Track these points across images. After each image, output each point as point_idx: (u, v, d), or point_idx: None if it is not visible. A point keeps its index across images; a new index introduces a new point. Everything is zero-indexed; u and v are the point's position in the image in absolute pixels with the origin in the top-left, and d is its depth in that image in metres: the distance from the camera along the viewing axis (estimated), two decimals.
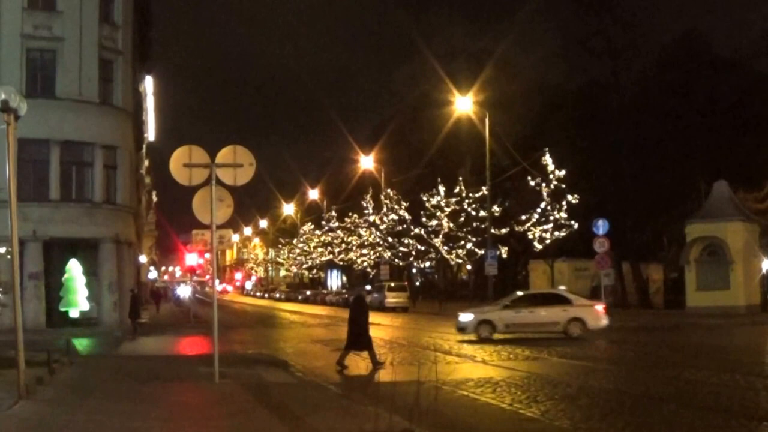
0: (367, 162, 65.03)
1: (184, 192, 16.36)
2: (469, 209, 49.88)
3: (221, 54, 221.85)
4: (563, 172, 41.95)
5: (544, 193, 42.53)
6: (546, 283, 45.79)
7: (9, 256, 14.48)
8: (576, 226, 41.70)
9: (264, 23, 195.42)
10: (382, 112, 74.58)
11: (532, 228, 43.91)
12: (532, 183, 43.11)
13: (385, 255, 63.58)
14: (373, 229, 65.14)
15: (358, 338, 19.62)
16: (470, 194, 49.83)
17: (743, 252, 38.59)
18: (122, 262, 35.42)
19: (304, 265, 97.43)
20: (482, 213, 48.26)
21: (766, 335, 27.45)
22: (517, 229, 45.36)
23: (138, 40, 40.51)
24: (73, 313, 33.22)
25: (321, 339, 29.54)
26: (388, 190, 60.52)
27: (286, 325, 41.97)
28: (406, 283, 60.62)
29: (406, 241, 58.97)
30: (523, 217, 44.63)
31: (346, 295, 68.84)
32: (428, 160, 57.86)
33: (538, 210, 43.31)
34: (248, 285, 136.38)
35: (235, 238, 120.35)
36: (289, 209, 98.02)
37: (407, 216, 57.26)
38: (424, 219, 53.27)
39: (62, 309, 32.97)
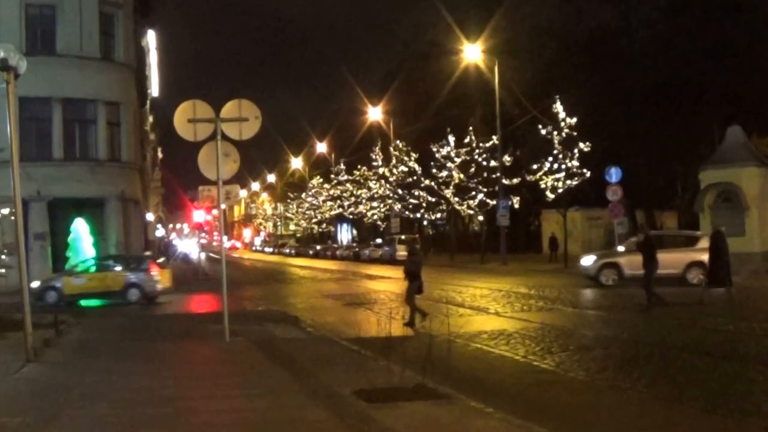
0: (375, 113, 64.49)
1: (190, 148, 16.16)
2: (480, 159, 49.41)
3: (226, 5, 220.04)
4: (575, 120, 41.39)
5: (556, 141, 42.01)
6: (559, 233, 45.44)
7: (13, 217, 14.36)
8: (588, 174, 41.27)
9: None
10: (390, 61, 73.64)
11: (543, 177, 43.45)
12: (543, 131, 42.57)
13: (395, 207, 63.35)
14: (383, 182, 64.81)
15: (721, 273, 20.22)
16: (480, 144, 49.31)
17: (759, 198, 38.05)
18: (129, 220, 35.27)
19: (314, 220, 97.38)
20: (493, 163, 47.82)
21: None
22: (528, 178, 44.89)
23: None
24: None
25: (332, 294, 29.43)
26: (397, 142, 60.05)
27: (296, 280, 41.94)
28: (417, 235, 60.44)
29: (416, 193, 58.62)
30: (535, 167, 44.15)
31: (357, 249, 68.89)
32: (437, 110, 57.26)
33: (550, 159, 42.82)
34: (257, 241, 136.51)
35: (243, 193, 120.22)
36: (297, 163, 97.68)
37: (417, 167, 56.84)
38: (434, 170, 52.81)
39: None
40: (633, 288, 23.42)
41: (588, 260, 28.56)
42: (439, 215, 61.35)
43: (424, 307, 17.93)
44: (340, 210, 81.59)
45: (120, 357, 13.87)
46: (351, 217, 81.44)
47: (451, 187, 52.03)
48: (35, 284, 25.59)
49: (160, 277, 26.75)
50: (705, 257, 24.77)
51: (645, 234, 21.41)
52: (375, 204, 69.83)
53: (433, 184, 53.91)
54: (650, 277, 19.82)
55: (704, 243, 26.31)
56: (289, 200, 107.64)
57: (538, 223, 54.91)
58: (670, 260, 25.30)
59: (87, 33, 32.88)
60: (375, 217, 71.74)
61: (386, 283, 35.70)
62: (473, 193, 50.78)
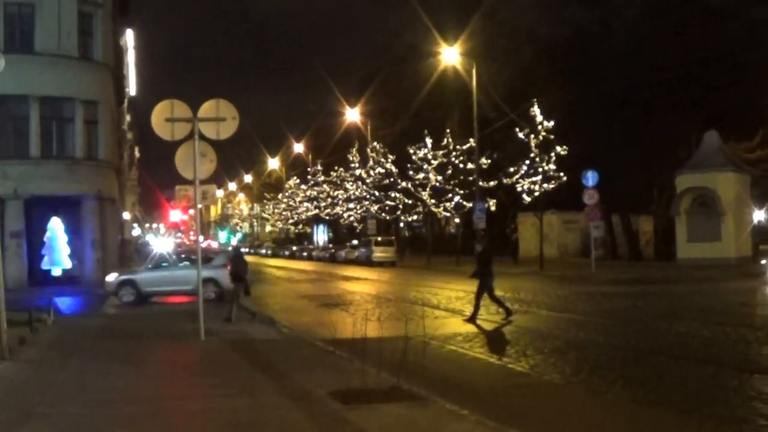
0: (352, 115, 64.37)
1: (168, 147, 16.18)
2: (457, 162, 49.53)
3: (204, 6, 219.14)
4: (552, 123, 41.53)
5: (533, 145, 42.16)
6: (535, 236, 45.63)
7: None
8: (565, 178, 41.42)
9: None
10: (368, 63, 73.60)
11: (520, 180, 43.56)
12: (521, 134, 42.71)
13: (371, 209, 63.33)
14: (360, 183, 64.80)
15: None
16: (458, 146, 49.40)
17: (734, 203, 38.34)
18: (105, 219, 35.05)
19: (290, 221, 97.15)
20: (470, 165, 47.93)
21: (757, 287, 27.42)
22: (505, 181, 45.02)
23: None
24: (56, 272, 32.95)
25: (307, 294, 29.39)
26: (375, 143, 60.04)
27: (272, 281, 41.75)
28: (393, 237, 60.47)
29: (393, 195, 58.65)
30: (512, 169, 44.27)
31: (333, 250, 68.80)
32: (415, 112, 57.27)
33: (527, 162, 42.96)
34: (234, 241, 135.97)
35: (220, 193, 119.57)
36: (274, 163, 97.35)
37: (394, 169, 56.85)
38: (411, 172, 52.88)
39: (44, 267, 32.71)
40: (155, 305, 24.68)
41: (110, 277, 27.62)
42: (415, 217, 61.44)
43: (398, 308, 17.92)
44: (317, 211, 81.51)
45: (95, 356, 13.80)
46: (327, 218, 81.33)
47: (428, 189, 52.13)
48: None
49: None
50: (218, 274, 24.99)
51: (483, 245, 21.08)
52: (351, 205, 69.76)
53: (409, 186, 53.95)
54: (489, 288, 19.49)
55: (219, 260, 26.42)
56: (265, 201, 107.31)
57: (514, 226, 55.03)
58: (186, 276, 25.30)
59: (65, 32, 32.65)
60: (351, 218, 71.70)
61: (362, 284, 35.69)
62: (450, 195, 50.88)
